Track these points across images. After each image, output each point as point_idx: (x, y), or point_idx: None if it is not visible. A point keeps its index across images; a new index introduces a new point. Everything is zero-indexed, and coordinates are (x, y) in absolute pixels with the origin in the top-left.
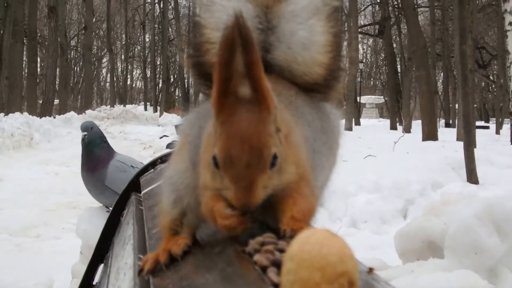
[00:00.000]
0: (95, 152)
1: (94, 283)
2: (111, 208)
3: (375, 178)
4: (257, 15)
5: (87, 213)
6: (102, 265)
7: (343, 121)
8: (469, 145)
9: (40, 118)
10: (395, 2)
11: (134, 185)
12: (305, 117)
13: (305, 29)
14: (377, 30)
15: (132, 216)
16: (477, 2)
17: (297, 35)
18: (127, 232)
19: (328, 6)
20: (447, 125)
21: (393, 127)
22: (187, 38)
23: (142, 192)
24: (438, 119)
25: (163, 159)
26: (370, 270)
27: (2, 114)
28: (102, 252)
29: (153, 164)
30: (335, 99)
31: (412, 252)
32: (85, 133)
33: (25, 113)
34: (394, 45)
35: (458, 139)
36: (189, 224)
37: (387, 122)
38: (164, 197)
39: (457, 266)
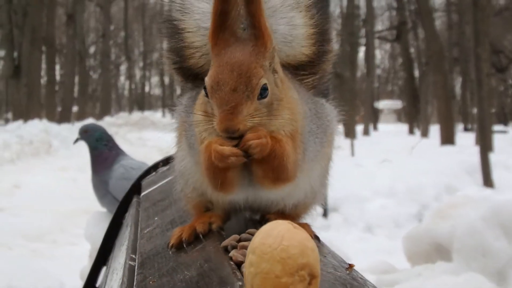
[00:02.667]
0: (95, 155)
1: (97, 285)
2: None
3: (390, 183)
4: (238, 13)
5: (94, 217)
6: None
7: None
8: (485, 149)
9: (59, 125)
10: (412, 7)
11: (137, 188)
12: (301, 95)
13: (286, 23)
14: (394, 35)
15: (131, 218)
16: (494, 5)
17: (278, 31)
18: (125, 233)
19: (306, 9)
20: (466, 129)
21: (410, 132)
22: (166, 43)
23: (141, 195)
24: (456, 124)
25: (165, 162)
26: (350, 266)
27: (21, 121)
28: (105, 255)
29: (155, 167)
30: (322, 75)
31: (420, 255)
32: (78, 137)
33: (44, 120)
34: (411, 50)
35: (476, 144)
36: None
37: (405, 127)
38: (178, 183)
39: (464, 269)
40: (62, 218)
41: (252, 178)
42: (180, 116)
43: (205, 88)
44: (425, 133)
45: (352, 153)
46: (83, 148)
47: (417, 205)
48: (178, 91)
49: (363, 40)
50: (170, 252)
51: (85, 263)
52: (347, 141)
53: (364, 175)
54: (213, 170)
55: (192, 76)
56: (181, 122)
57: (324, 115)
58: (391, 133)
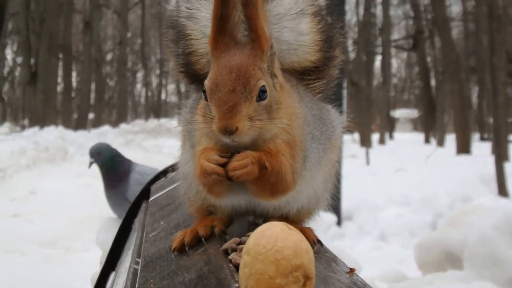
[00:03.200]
0: (111, 173)
1: None
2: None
3: (404, 192)
4: (237, 18)
5: (106, 223)
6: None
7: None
8: (500, 158)
9: (75, 131)
10: (429, 16)
11: (146, 193)
12: (305, 101)
13: (291, 30)
14: (410, 44)
15: (139, 223)
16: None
17: (283, 38)
18: (133, 238)
19: (313, 5)
20: (482, 139)
21: (426, 141)
22: (172, 47)
23: (150, 200)
24: (472, 133)
25: (174, 167)
26: (351, 270)
27: (37, 128)
28: (114, 260)
29: (164, 173)
30: (328, 80)
31: (432, 263)
32: (92, 160)
33: (60, 127)
34: (428, 59)
35: (492, 154)
36: (215, 205)
37: (421, 136)
38: (182, 187)
39: (476, 277)
40: (77, 224)
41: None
42: (185, 118)
43: (204, 92)
44: (441, 142)
45: (367, 162)
46: None
47: (432, 214)
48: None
49: (379, 49)
50: (173, 256)
51: (97, 269)
52: (363, 150)
53: (378, 183)
54: (201, 180)
55: (198, 81)
56: (185, 124)
57: (328, 121)
58: (407, 142)
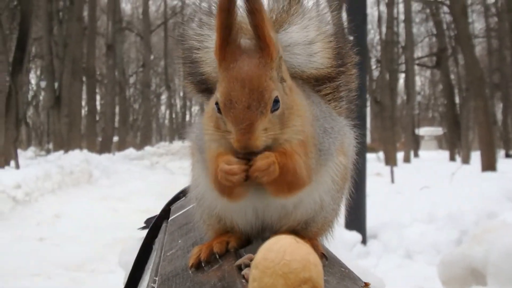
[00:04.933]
0: None
1: None
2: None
3: (430, 209)
4: (240, 26)
5: (129, 244)
6: None
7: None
8: None
9: (100, 155)
10: (452, 33)
11: (166, 213)
12: (312, 98)
13: (302, 55)
14: (434, 62)
15: (159, 242)
16: None
17: (294, 62)
18: (152, 258)
19: (324, 33)
20: (507, 156)
21: (452, 158)
22: (179, 57)
23: (169, 219)
24: (497, 150)
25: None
26: (366, 284)
27: (62, 151)
28: (135, 281)
29: (184, 192)
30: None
31: (455, 279)
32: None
33: (85, 150)
34: (452, 76)
35: None
36: (231, 224)
37: (446, 153)
38: (196, 211)
39: None
40: (102, 247)
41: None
42: (195, 134)
43: (217, 104)
44: (466, 160)
45: (392, 180)
46: (123, 178)
47: (457, 231)
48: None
49: (402, 67)
50: (190, 272)
51: None
52: (387, 168)
53: (403, 201)
54: (221, 184)
55: (205, 90)
56: (195, 142)
57: (338, 121)
58: (432, 160)
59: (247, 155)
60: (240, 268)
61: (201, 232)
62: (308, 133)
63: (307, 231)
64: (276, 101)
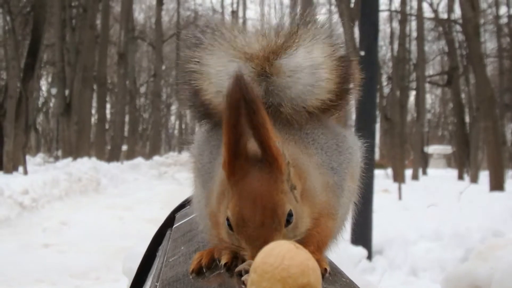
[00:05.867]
0: None
1: None
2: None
3: (436, 227)
4: (258, 73)
5: (133, 252)
6: None
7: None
8: None
9: (108, 163)
10: (464, 52)
11: (171, 221)
12: (317, 142)
13: (306, 79)
14: (445, 80)
15: (162, 250)
16: None
17: (297, 87)
18: (155, 265)
19: (332, 57)
20: None
21: (460, 177)
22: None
23: (173, 227)
24: (506, 170)
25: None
26: None
27: (70, 158)
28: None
29: (189, 200)
30: (342, 115)
31: None
32: None
33: (93, 158)
34: (462, 95)
35: None
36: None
37: (454, 172)
38: (199, 223)
39: None
40: (108, 255)
41: None
42: (193, 154)
43: (228, 220)
44: (474, 179)
45: (400, 197)
46: (131, 187)
47: (463, 249)
48: None
49: (413, 84)
50: (191, 277)
51: None
52: (395, 185)
53: (410, 218)
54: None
55: (206, 115)
56: (194, 161)
57: (345, 148)
58: (440, 178)
59: None
60: (240, 274)
61: (204, 239)
62: (322, 207)
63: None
64: (290, 214)
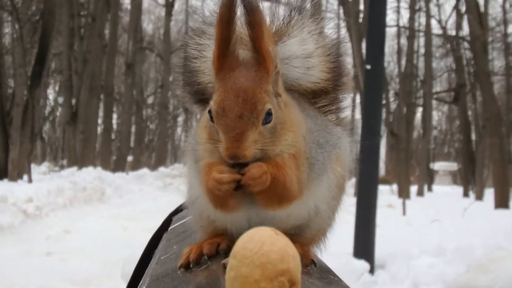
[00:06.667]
0: None
1: None
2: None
3: (439, 242)
4: (239, 38)
5: (132, 257)
6: None
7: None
8: None
9: (113, 173)
10: (471, 70)
11: (168, 224)
12: (308, 111)
13: (299, 68)
14: (452, 97)
15: (158, 251)
16: None
17: (291, 75)
18: (150, 266)
19: (322, 47)
20: None
21: (465, 194)
22: (183, 81)
23: (169, 229)
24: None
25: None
26: None
27: (75, 168)
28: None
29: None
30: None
31: None
32: None
33: (98, 168)
34: (469, 113)
35: None
36: (223, 228)
37: (460, 189)
38: (191, 213)
39: None
40: (109, 264)
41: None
42: (190, 143)
43: (209, 112)
44: (479, 196)
45: (404, 212)
46: (136, 197)
47: (466, 265)
48: None
49: (420, 101)
50: (179, 272)
51: None
52: (400, 201)
53: (413, 233)
54: (215, 197)
55: (202, 100)
56: (191, 149)
57: (333, 132)
58: (445, 194)
59: (238, 166)
60: (226, 267)
61: (197, 238)
62: (301, 147)
63: (300, 236)
64: (269, 113)
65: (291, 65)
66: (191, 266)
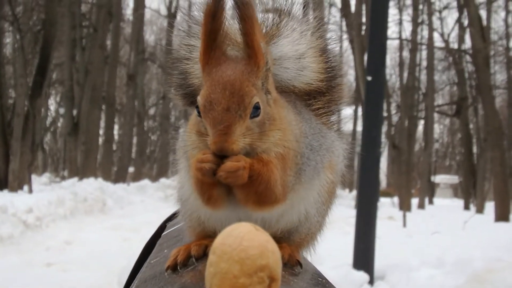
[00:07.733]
0: None
1: None
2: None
3: (439, 254)
4: (227, 32)
5: (128, 266)
6: None
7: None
8: None
9: (114, 184)
10: (473, 83)
11: (162, 230)
12: (303, 115)
13: (292, 68)
14: (454, 110)
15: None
16: None
17: (284, 76)
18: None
19: (314, 47)
20: None
21: (466, 207)
22: (170, 68)
23: (162, 234)
24: None
25: None
26: None
27: (76, 179)
28: None
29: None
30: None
31: None
32: None
33: (99, 179)
34: (471, 126)
35: None
36: (211, 228)
37: (461, 202)
38: (180, 213)
39: None
40: (109, 275)
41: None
42: (182, 139)
43: (197, 107)
44: (480, 209)
45: (404, 224)
46: (137, 209)
47: (465, 277)
48: None
49: (422, 114)
50: (166, 274)
51: None
52: (401, 213)
53: (413, 245)
54: (200, 185)
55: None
56: (181, 147)
57: (328, 137)
58: (446, 207)
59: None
60: None
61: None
62: (290, 148)
63: (289, 240)
64: (257, 107)
65: (283, 66)
66: (178, 267)
